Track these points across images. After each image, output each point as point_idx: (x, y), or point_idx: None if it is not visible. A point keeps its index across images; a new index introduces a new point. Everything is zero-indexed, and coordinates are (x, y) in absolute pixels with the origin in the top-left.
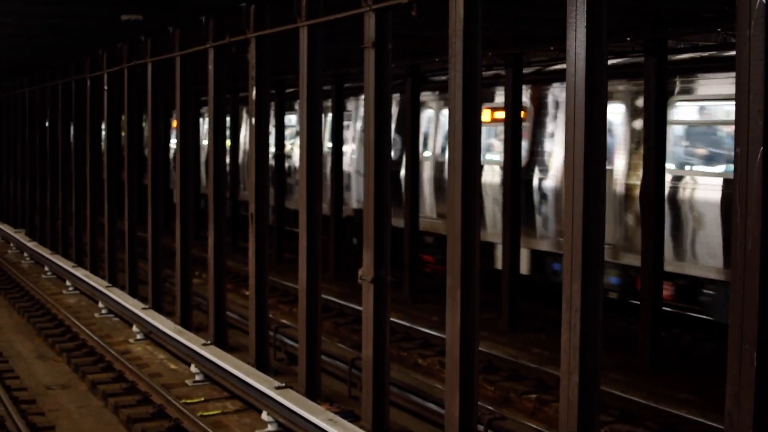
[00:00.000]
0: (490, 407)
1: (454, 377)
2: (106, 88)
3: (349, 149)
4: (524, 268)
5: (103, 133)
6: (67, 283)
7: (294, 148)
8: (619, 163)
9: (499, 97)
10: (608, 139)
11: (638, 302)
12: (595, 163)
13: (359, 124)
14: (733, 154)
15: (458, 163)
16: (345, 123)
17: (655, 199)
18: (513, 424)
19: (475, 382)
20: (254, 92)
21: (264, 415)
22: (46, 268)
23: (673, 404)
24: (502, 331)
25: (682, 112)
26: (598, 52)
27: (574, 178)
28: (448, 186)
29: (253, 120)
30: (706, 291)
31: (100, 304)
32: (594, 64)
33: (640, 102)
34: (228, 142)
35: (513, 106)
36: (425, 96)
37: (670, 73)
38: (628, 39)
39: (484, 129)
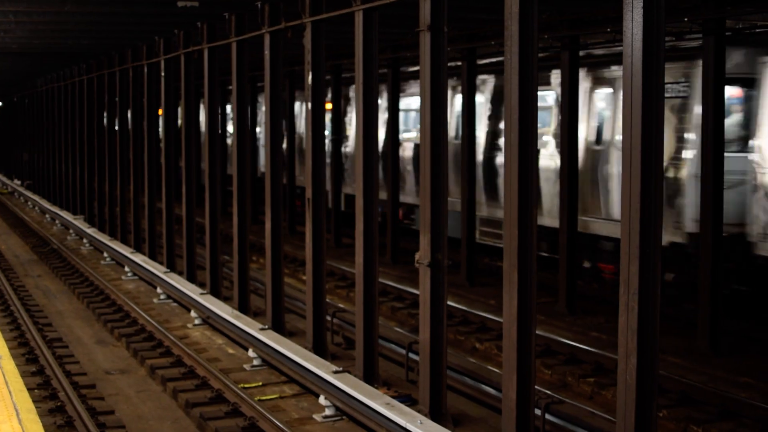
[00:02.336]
0: (548, 391)
1: (511, 360)
2: (163, 74)
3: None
4: None
5: (161, 119)
6: (126, 268)
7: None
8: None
9: None
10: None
11: None
12: (652, 147)
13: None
14: None
15: (515, 146)
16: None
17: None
18: (570, 407)
19: (532, 365)
20: (310, 77)
21: (321, 399)
22: (105, 254)
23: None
24: (560, 315)
25: None
26: (655, 34)
27: (632, 162)
28: (505, 169)
29: (310, 105)
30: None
31: (159, 290)
32: (651, 45)
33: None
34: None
35: (570, 89)
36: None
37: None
38: (686, 19)
39: None
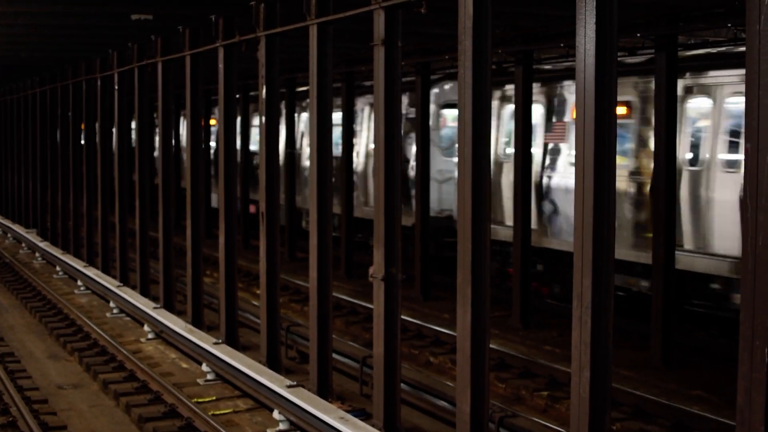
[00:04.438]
0: (502, 405)
1: (465, 374)
2: (116, 87)
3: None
4: None
5: (114, 132)
6: (79, 282)
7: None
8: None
9: None
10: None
11: None
12: (605, 160)
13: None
14: None
15: (468, 159)
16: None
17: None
18: (524, 421)
19: (486, 379)
20: (264, 91)
21: (275, 414)
22: (58, 268)
23: (686, 401)
24: (514, 328)
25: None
26: (608, 49)
27: (584, 175)
28: (458, 182)
29: (263, 119)
30: None
31: (112, 304)
32: (604, 60)
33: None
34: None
35: (523, 103)
36: None
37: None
38: (639, 35)
39: None
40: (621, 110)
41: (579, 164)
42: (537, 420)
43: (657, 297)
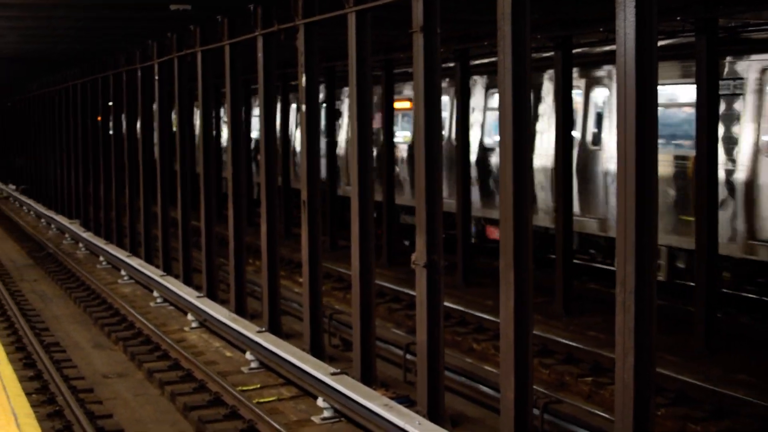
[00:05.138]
0: (546, 391)
1: (508, 361)
2: (156, 78)
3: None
4: None
5: (155, 122)
6: (122, 272)
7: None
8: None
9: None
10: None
11: None
12: (647, 146)
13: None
14: None
15: (509, 145)
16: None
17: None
18: (569, 407)
19: (530, 365)
20: (304, 79)
21: (319, 401)
22: (101, 258)
23: (731, 386)
24: (557, 315)
25: None
26: (647, 32)
27: (626, 160)
28: (501, 169)
29: (303, 107)
30: None
31: (155, 293)
32: (644, 44)
33: None
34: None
35: (564, 89)
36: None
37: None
38: (678, 18)
39: None
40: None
41: (621, 150)
42: (581, 406)
43: (700, 282)
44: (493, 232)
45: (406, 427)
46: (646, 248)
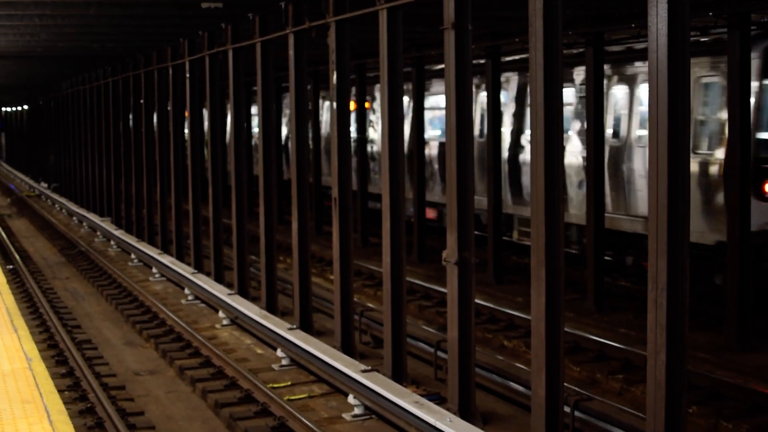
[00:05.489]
0: (577, 388)
1: (540, 358)
2: (188, 76)
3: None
4: None
5: (186, 120)
6: (154, 270)
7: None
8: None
9: None
10: None
11: None
12: (679, 141)
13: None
14: None
15: (540, 142)
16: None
17: None
18: (600, 405)
19: (561, 362)
20: (335, 77)
21: (350, 398)
22: (133, 256)
23: (764, 383)
24: (588, 311)
25: None
26: (680, 28)
27: (658, 157)
28: (531, 166)
29: (335, 105)
30: None
31: (187, 291)
32: (676, 40)
33: None
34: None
35: (595, 85)
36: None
37: None
38: (710, 14)
39: None
40: None
41: (653, 146)
42: (612, 403)
43: (732, 278)
44: (429, 213)
45: (437, 424)
46: (678, 245)
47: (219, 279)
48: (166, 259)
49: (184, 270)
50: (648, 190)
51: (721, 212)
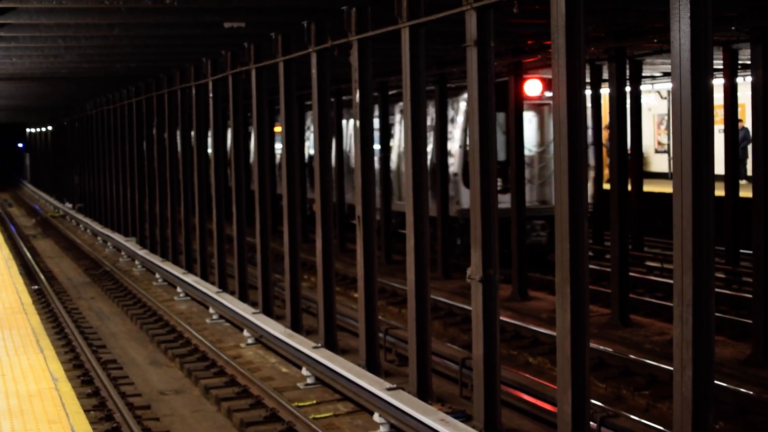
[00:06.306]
0: (602, 405)
1: (565, 374)
2: (211, 95)
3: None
4: None
5: (210, 140)
6: (178, 289)
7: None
8: None
9: None
10: None
11: None
12: (703, 156)
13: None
14: None
15: (564, 157)
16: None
17: None
18: (626, 421)
19: (587, 378)
20: (358, 95)
21: (376, 417)
22: (157, 275)
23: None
24: (612, 327)
25: None
26: (703, 43)
27: (683, 172)
28: (555, 181)
29: (358, 123)
30: None
31: (211, 310)
32: (699, 55)
33: None
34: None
35: (618, 100)
36: None
37: None
38: (733, 28)
39: None
40: None
41: (677, 161)
42: (639, 419)
43: (758, 288)
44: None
45: None
46: (704, 259)
47: (243, 298)
48: (191, 279)
49: (209, 289)
50: (673, 206)
51: None
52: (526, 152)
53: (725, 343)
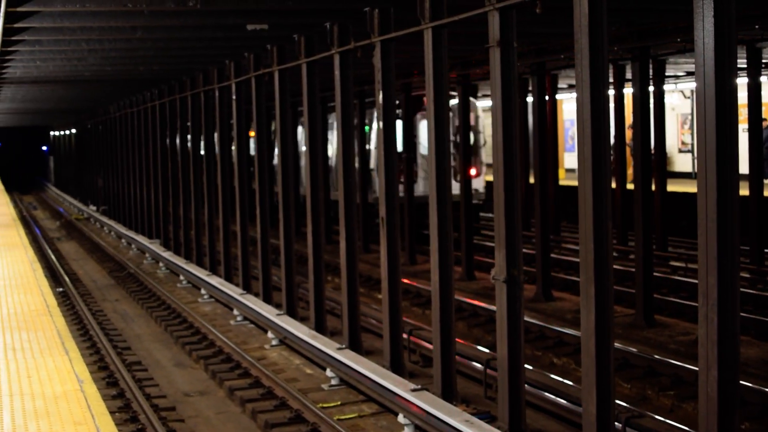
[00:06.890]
0: (627, 405)
1: (590, 375)
2: (234, 97)
3: None
4: None
5: (233, 142)
6: (202, 291)
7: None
8: None
9: None
10: None
11: None
12: (728, 156)
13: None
14: None
15: (588, 157)
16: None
17: None
18: (651, 421)
19: (612, 379)
20: (381, 96)
21: (400, 418)
22: (181, 277)
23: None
24: (637, 327)
25: None
26: (727, 42)
27: (707, 172)
28: (579, 182)
29: (381, 124)
30: None
31: (235, 312)
32: (723, 54)
33: None
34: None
35: (641, 101)
36: None
37: None
38: (757, 26)
39: None
40: None
41: (701, 160)
42: (664, 420)
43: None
44: None
45: None
46: (729, 259)
47: (267, 300)
48: (215, 281)
49: (233, 291)
50: (697, 206)
51: None
52: None
53: (750, 343)
